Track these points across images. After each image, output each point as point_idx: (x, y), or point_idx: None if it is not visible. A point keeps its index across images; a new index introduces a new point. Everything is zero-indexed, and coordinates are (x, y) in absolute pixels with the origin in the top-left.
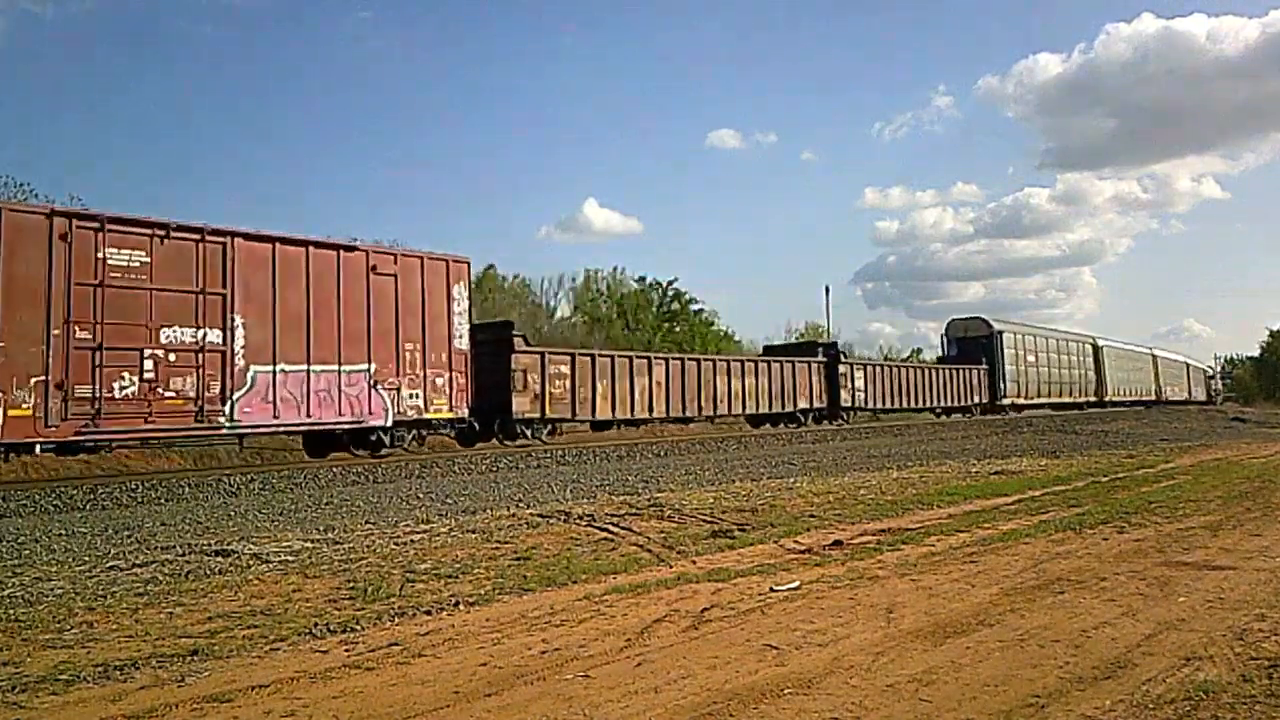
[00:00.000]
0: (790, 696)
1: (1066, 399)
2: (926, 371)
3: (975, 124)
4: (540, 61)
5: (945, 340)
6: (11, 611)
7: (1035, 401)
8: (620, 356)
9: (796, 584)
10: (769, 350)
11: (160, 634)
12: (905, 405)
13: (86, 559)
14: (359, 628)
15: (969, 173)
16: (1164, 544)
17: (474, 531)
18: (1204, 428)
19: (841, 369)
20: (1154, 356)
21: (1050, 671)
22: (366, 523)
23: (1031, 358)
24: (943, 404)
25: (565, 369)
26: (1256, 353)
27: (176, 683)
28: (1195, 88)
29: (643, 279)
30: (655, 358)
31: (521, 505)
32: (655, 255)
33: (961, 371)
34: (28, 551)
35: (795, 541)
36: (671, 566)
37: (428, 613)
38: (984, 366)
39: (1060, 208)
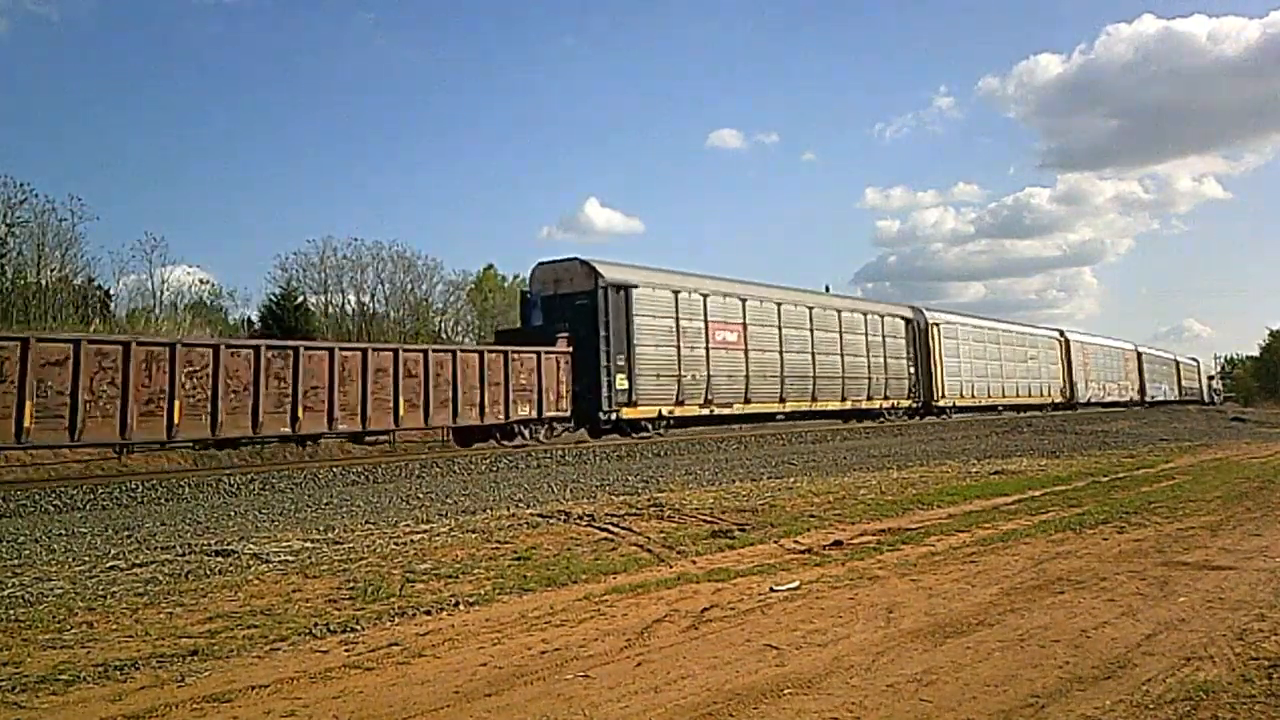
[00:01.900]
0: (790, 696)
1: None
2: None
3: (976, 124)
4: (542, 62)
5: (529, 299)
6: (11, 611)
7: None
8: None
9: (796, 584)
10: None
11: (160, 634)
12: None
13: (86, 559)
14: (359, 628)
15: (970, 173)
16: (1164, 544)
17: (474, 531)
18: (1204, 428)
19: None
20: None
21: (1050, 671)
22: (366, 523)
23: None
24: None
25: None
26: (1256, 353)
27: (176, 683)
28: (1196, 88)
29: None
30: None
31: (521, 505)
32: (656, 255)
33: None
34: (28, 551)
35: (795, 541)
36: (671, 566)
37: (428, 613)
38: (606, 344)
39: (1061, 208)
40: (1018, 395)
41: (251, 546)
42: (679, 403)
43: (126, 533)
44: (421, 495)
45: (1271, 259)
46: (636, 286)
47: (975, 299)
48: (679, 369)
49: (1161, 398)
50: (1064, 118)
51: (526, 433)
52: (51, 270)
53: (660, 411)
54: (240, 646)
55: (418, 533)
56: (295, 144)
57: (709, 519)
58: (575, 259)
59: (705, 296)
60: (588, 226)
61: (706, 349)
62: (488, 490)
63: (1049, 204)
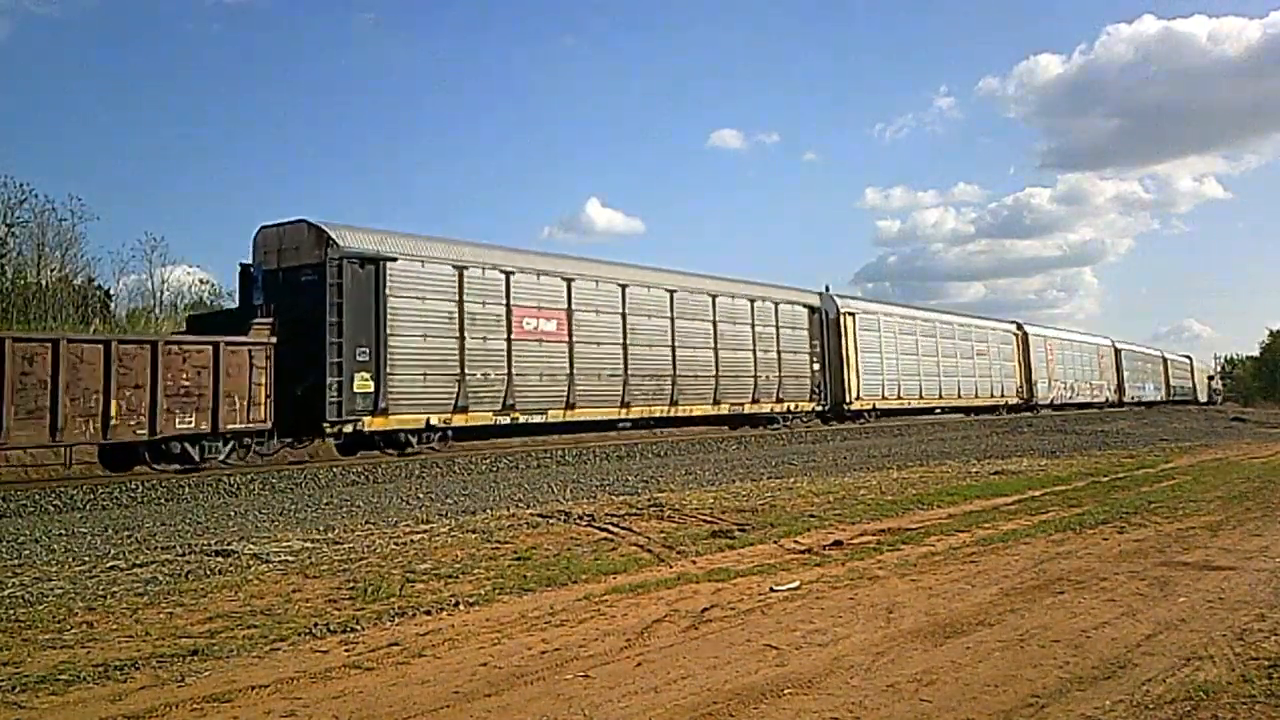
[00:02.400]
0: (790, 696)
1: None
2: None
3: (976, 125)
4: (543, 62)
5: (250, 274)
6: (11, 611)
7: (892, 406)
8: None
9: (796, 584)
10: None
11: (160, 634)
12: None
13: (86, 559)
14: (359, 628)
15: (970, 173)
16: (1164, 544)
17: (474, 531)
18: (1204, 428)
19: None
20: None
21: (1050, 671)
22: (366, 523)
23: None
24: None
25: None
26: (1256, 353)
27: (176, 683)
28: (1196, 88)
29: None
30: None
31: (521, 505)
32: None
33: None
34: (28, 551)
35: (795, 541)
36: (671, 566)
37: (428, 613)
38: (338, 332)
39: (1061, 208)
40: (960, 396)
41: (251, 546)
42: (460, 409)
43: (126, 533)
44: (421, 495)
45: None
46: (394, 259)
47: (975, 299)
48: (462, 367)
49: (1146, 398)
50: (1064, 118)
51: (196, 453)
52: (51, 270)
53: (430, 421)
54: (240, 646)
55: (418, 533)
56: (295, 144)
57: (709, 519)
58: (303, 221)
59: (509, 275)
60: (589, 226)
61: (509, 341)
62: (488, 490)
63: (1049, 204)
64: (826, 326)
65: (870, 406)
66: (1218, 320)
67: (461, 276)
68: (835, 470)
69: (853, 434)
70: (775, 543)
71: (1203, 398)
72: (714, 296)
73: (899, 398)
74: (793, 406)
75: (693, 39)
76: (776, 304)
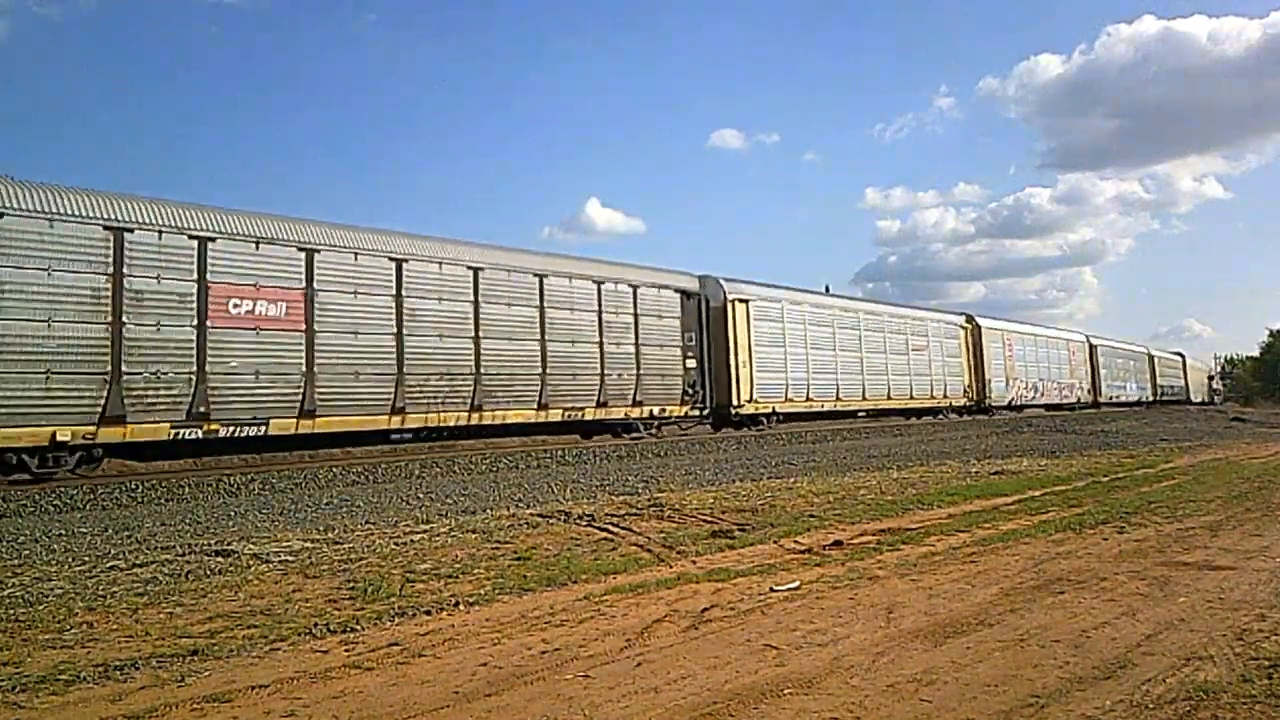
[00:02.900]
0: (790, 696)
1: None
2: None
3: (976, 125)
4: (544, 62)
5: None
6: (11, 611)
7: (799, 409)
8: None
9: (796, 584)
10: None
11: (160, 634)
12: None
13: (86, 559)
14: (359, 628)
15: (970, 173)
16: (1164, 544)
17: (474, 531)
18: (1204, 428)
19: None
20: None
21: (1050, 671)
22: (366, 523)
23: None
24: None
25: None
26: (1256, 353)
27: (176, 683)
28: (1197, 88)
29: None
30: None
31: (521, 505)
32: (658, 255)
33: None
34: (28, 551)
35: (795, 541)
36: (671, 566)
37: (428, 613)
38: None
39: (1062, 208)
40: (890, 397)
41: (251, 546)
42: (109, 419)
43: (126, 533)
44: (421, 495)
45: (1272, 259)
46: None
47: (975, 298)
48: (114, 362)
49: (1126, 399)
50: (1064, 118)
51: None
52: None
53: (57, 436)
54: (240, 646)
55: (418, 533)
56: (296, 144)
57: (709, 519)
58: None
59: (204, 242)
60: (589, 226)
61: (200, 327)
62: (488, 490)
63: (1049, 204)
64: (708, 315)
65: (769, 410)
66: (1218, 320)
67: (119, 241)
68: (835, 470)
69: (854, 434)
70: (775, 543)
71: (1198, 398)
72: (541, 277)
73: (808, 400)
74: (658, 410)
75: (693, 39)
76: (635, 287)
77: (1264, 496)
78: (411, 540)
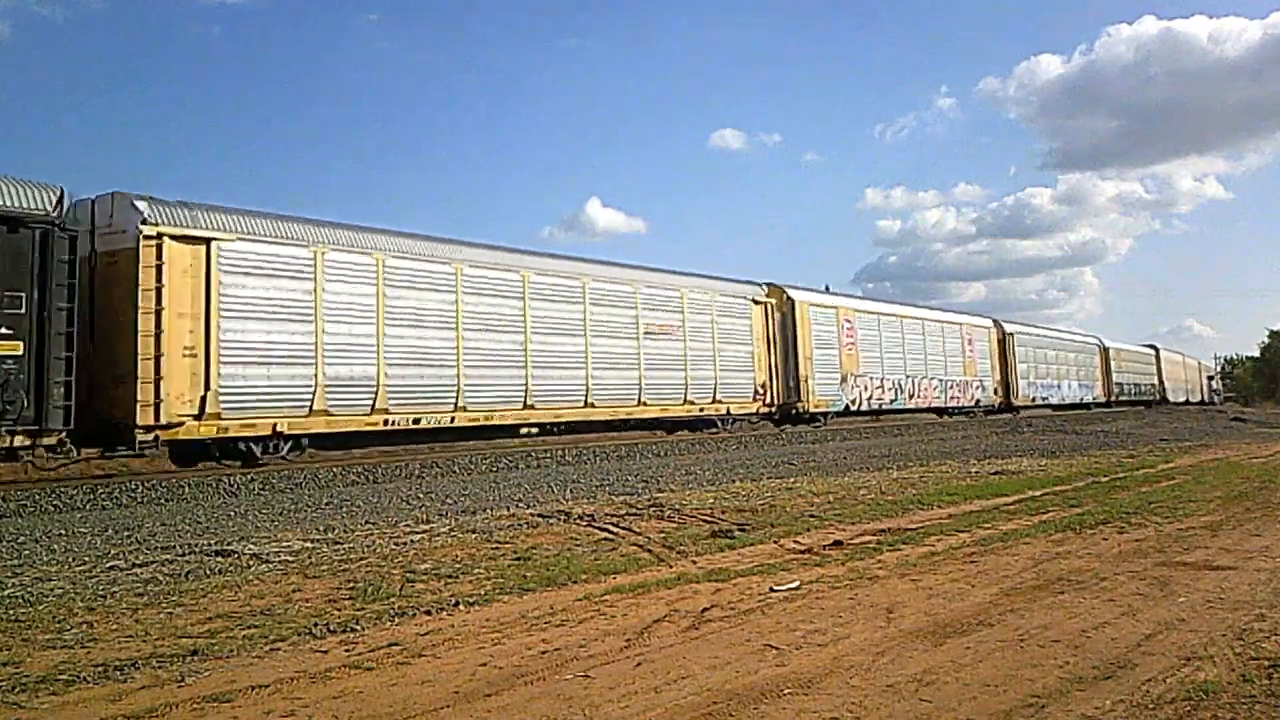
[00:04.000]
0: (790, 696)
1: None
2: None
3: (977, 125)
4: (545, 62)
5: None
6: (11, 611)
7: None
8: None
9: (796, 584)
10: None
11: (160, 634)
12: None
13: (86, 559)
14: (359, 628)
15: (971, 173)
16: (1164, 544)
17: (474, 531)
18: (1204, 428)
19: None
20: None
21: (1050, 671)
22: (366, 523)
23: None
24: None
25: None
26: (1256, 353)
27: (176, 683)
28: (1197, 88)
29: None
30: None
31: (521, 505)
32: (658, 255)
33: None
34: (28, 551)
35: (795, 541)
36: (671, 566)
37: (428, 613)
38: None
39: (1062, 208)
40: (584, 404)
41: (251, 546)
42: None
43: (126, 533)
44: (421, 495)
45: (1273, 259)
46: None
47: (976, 299)
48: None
49: (1060, 400)
50: (1065, 118)
51: None
52: None
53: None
54: (240, 646)
55: (418, 533)
56: (297, 144)
57: (709, 519)
58: None
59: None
60: (589, 226)
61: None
62: (487, 490)
63: (1050, 204)
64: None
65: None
66: (1218, 320)
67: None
68: (835, 470)
69: (854, 434)
70: (775, 543)
71: (1177, 397)
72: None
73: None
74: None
75: (693, 39)
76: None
77: (1264, 496)
78: (411, 540)
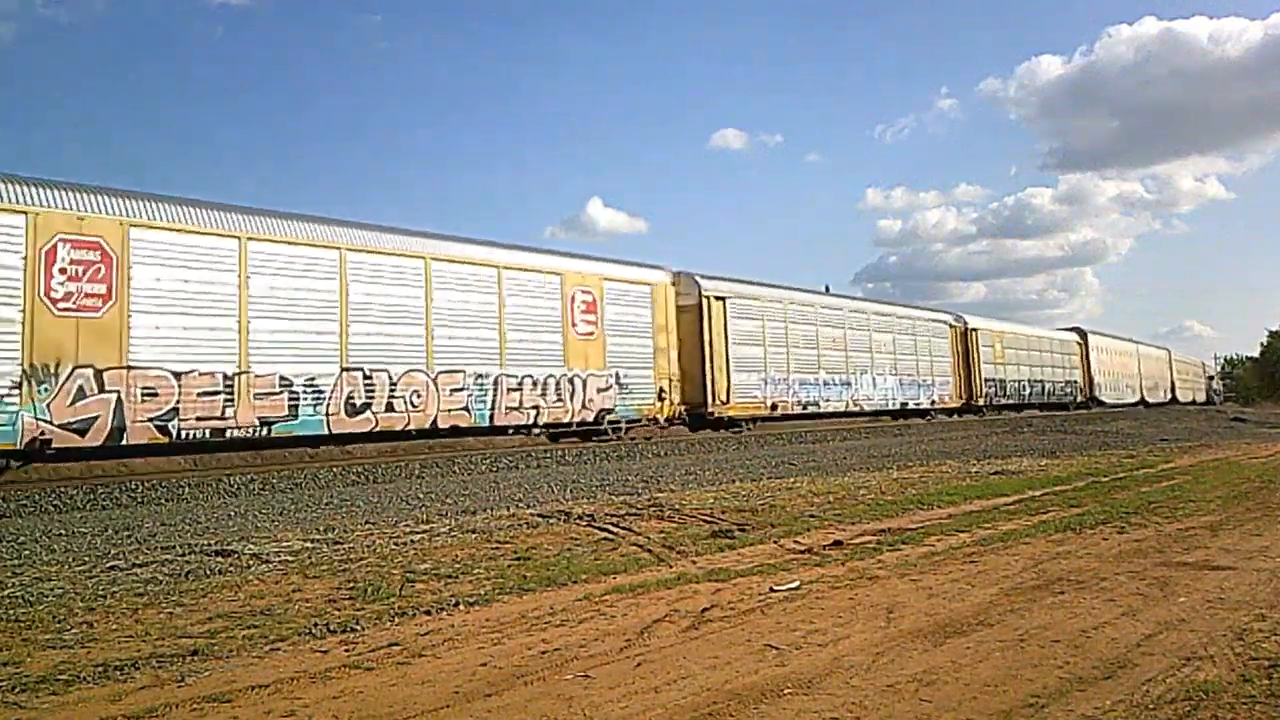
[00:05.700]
0: (790, 696)
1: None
2: None
3: (978, 125)
4: (546, 62)
5: None
6: (11, 611)
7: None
8: None
9: (796, 584)
10: None
11: (160, 634)
12: None
13: (86, 559)
14: (359, 628)
15: (971, 173)
16: (1164, 544)
17: (474, 531)
18: (1204, 428)
19: None
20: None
21: (1050, 671)
22: (366, 523)
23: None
24: None
25: None
26: (1256, 353)
27: (176, 683)
28: (1198, 89)
29: None
30: None
31: (521, 505)
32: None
33: None
34: (28, 551)
35: (795, 541)
36: (671, 566)
37: (428, 613)
38: None
39: (1063, 208)
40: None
41: (251, 546)
42: None
43: (126, 533)
44: (421, 495)
45: (1273, 259)
46: None
47: (976, 299)
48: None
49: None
50: (1065, 119)
51: None
52: None
53: None
54: (240, 646)
55: (418, 533)
56: (298, 145)
57: (709, 519)
58: None
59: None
60: (590, 226)
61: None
62: (487, 490)
63: (1050, 204)
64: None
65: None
66: (1218, 320)
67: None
68: (835, 470)
69: (854, 434)
70: (775, 543)
71: (1157, 398)
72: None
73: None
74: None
75: (696, 39)
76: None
77: (1264, 496)
78: (411, 540)
